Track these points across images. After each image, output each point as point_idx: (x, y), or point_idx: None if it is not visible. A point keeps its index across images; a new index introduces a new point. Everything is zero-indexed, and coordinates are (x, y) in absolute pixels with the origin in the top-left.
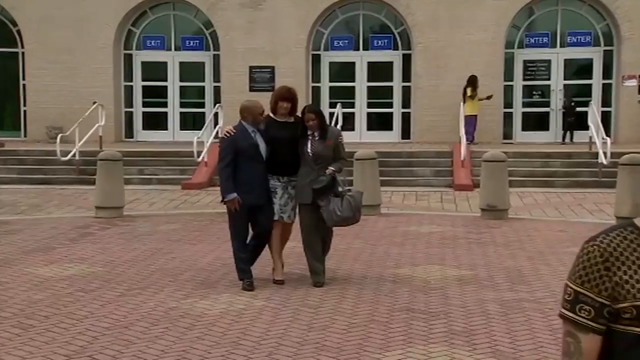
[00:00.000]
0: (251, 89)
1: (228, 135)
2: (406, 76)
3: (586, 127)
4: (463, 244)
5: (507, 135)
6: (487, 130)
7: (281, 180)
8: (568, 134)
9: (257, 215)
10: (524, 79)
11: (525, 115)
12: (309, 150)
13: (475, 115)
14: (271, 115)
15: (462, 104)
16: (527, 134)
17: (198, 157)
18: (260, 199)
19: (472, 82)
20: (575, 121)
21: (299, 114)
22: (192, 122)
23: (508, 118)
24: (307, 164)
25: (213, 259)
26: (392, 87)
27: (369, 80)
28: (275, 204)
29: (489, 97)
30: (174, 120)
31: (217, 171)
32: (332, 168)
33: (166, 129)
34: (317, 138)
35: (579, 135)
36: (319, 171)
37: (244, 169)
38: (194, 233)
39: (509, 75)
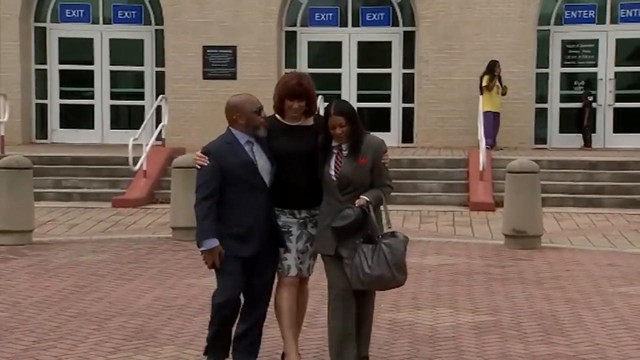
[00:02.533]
0: (205, 76)
1: (201, 166)
2: (408, 61)
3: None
4: (481, 280)
5: (540, 138)
6: (514, 131)
7: (297, 215)
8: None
9: (249, 272)
10: (563, 65)
11: (564, 112)
12: (331, 172)
13: (497, 113)
14: (277, 116)
15: (480, 97)
16: (566, 136)
17: (134, 165)
18: (262, 248)
19: (491, 68)
20: (593, 120)
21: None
22: (126, 118)
23: (541, 116)
24: (330, 192)
25: (153, 299)
26: (390, 74)
27: (360, 66)
28: (291, 252)
29: (503, 92)
30: (102, 116)
31: (196, 204)
32: (365, 197)
33: (92, 128)
34: (345, 153)
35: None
36: (346, 204)
37: (236, 202)
38: (127, 265)
39: (543, 59)
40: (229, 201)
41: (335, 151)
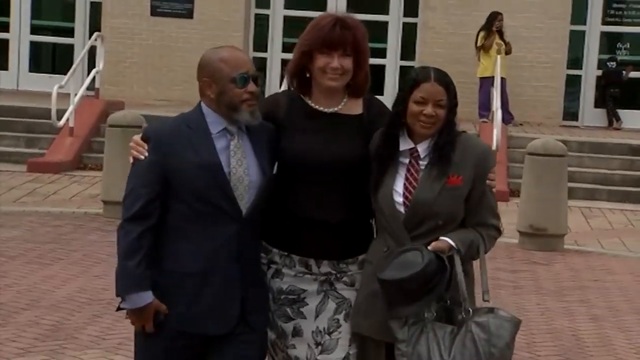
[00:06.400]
0: (154, 12)
1: (135, 160)
2: (411, 7)
3: None
4: (490, 288)
5: (571, 113)
6: (538, 103)
7: (316, 270)
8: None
9: None
10: (605, 22)
11: (601, 82)
12: (397, 196)
13: (502, 79)
14: (300, 95)
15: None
16: (602, 112)
17: (59, 119)
18: (227, 322)
19: (489, 22)
20: (620, 94)
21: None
22: (50, 60)
23: (573, 85)
24: (391, 231)
25: (75, 290)
26: (386, 24)
27: (349, 10)
28: (303, 335)
29: (507, 51)
30: (18, 55)
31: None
32: (448, 240)
33: (5, 69)
34: (424, 163)
35: (629, 116)
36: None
37: (182, 233)
38: (44, 246)
39: (579, 13)
40: (172, 230)
41: (407, 159)
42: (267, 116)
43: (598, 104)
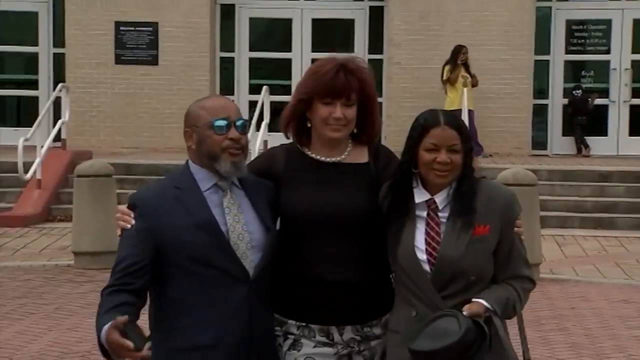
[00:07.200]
0: (118, 60)
1: (122, 231)
2: (375, 44)
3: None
4: None
5: (539, 142)
6: (507, 134)
7: (338, 338)
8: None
9: None
10: (568, 52)
11: (568, 110)
12: (420, 253)
13: (470, 111)
14: (298, 146)
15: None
16: (571, 140)
17: (25, 172)
18: None
19: (453, 55)
20: (587, 121)
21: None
22: (15, 113)
23: (541, 115)
24: (417, 292)
25: (48, 344)
26: None
27: (315, 49)
28: None
29: (473, 84)
30: None
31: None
32: (482, 302)
33: None
34: (445, 215)
35: (597, 143)
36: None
37: (186, 303)
38: (15, 302)
39: (543, 44)
40: (173, 304)
41: (424, 212)
42: (264, 173)
43: (566, 132)
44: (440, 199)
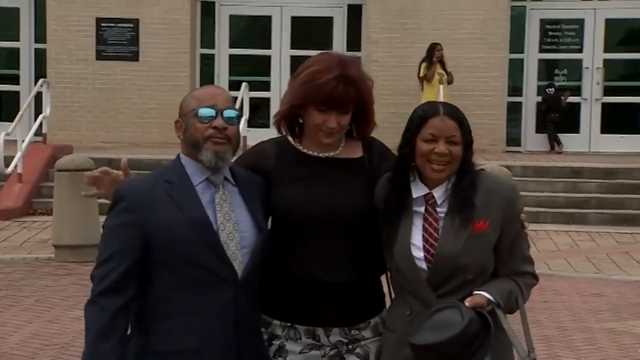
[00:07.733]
0: (99, 56)
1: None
2: (353, 41)
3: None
4: None
5: (514, 139)
6: (481, 131)
7: (325, 340)
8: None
9: None
10: (542, 50)
11: (542, 108)
12: (417, 251)
13: None
14: (289, 138)
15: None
16: (544, 137)
17: (6, 166)
18: None
19: (428, 53)
20: (560, 118)
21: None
22: None
23: (514, 112)
24: (413, 292)
25: (28, 336)
26: None
27: (294, 47)
28: None
29: (449, 81)
30: None
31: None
32: (485, 294)
33: None
34: (443, 210)
35: (570, 140)
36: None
37: (172, 304)
38: None
39: (517, 43)
40: (157, 304)
41: (421, 207)
42: (253, 169)
43: (539, 129)
44: (438, 193)
